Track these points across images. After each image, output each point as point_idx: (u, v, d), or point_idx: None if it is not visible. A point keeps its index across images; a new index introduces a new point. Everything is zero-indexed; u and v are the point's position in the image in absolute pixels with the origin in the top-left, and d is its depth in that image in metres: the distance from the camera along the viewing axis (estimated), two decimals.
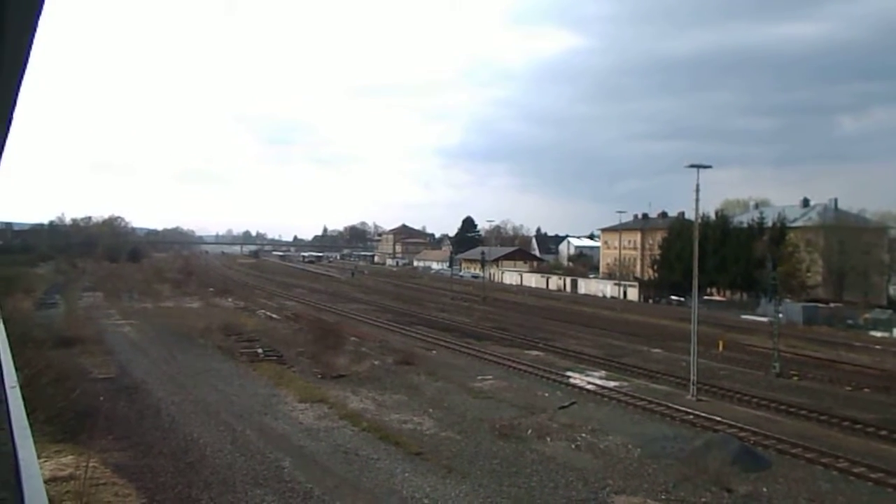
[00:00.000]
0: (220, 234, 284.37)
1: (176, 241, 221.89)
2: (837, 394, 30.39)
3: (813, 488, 17.78)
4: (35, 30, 2.00)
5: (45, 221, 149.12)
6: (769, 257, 46.04)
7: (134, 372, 30.36)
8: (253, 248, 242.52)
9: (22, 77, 2.51)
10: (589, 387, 30.45)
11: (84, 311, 53.78)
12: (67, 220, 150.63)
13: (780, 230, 70.59)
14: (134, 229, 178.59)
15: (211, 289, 76.97)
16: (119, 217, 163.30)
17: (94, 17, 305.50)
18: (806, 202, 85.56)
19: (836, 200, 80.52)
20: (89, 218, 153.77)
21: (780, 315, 38.78)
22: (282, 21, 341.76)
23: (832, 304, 62.41)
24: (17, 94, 2.73)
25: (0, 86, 2.63)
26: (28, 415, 2.86)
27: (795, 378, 33.71)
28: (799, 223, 76.41)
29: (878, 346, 45.96)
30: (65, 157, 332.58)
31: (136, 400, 25.04)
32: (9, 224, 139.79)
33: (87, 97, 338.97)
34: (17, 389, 3.09)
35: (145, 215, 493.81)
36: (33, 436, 2.66)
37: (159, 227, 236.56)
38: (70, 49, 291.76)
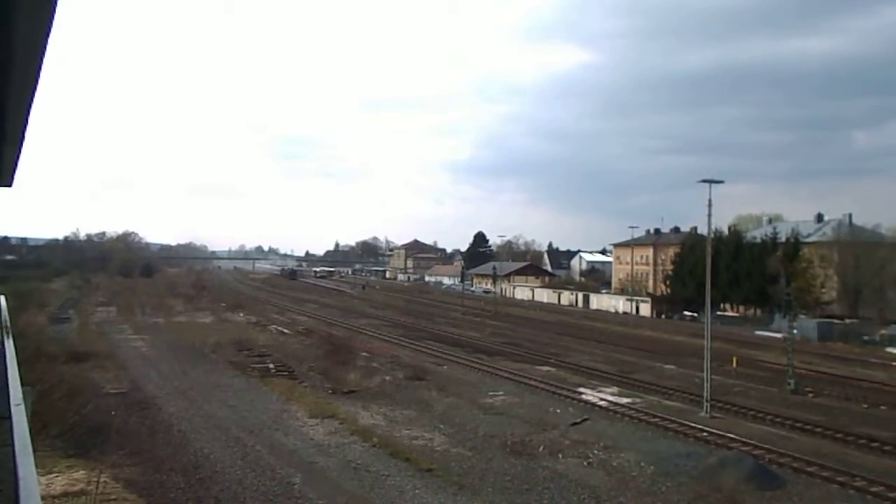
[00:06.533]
0: (233, 249, 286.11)
1: (189, 257, 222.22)
2: (853, 411, 29.99)
3: None
4: (45, 45, 2.02)
5: (60, 237, 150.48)
6: (783, 273, 45.73)
7: (146, 387, 30.46)
8: (289, 265, 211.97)
9: (34, 91, 2.53)
10: (601, 403, 30.22)
11: (97, 325, 54.13)
12: (82, 235, 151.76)
13: (794, 245, 70.12)
14: (147, 244, 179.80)
15: (223, 304, 77.26)
16: (133, 232, 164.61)
17: (107, 32, 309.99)
18: (820, 217, 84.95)
19: (850, 215, 79.84)
20: (103, 233, 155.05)
21: (795, 331, 38.41)
22: (294, 36, 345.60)
23: (847, 320, 61.74)
24: (29, 110, 2.76)
25: (13, 101, 2.65)
26: (32, 433, 2.86)
27: (810, 395, 33.32)
28: (813, 238, 75.87)
29: (894, 363, 45.36)
30: (80, 173, 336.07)
31: (147, 415, 25.09)
32: (24, 239, 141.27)
33: (102, 112, 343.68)
34: (22, 407, 3.09)
35: (159, 230, 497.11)
36: (35, 454, 2.66)
37: (172, 243, 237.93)
38: (84, 64, 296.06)
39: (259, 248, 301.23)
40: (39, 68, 2.22)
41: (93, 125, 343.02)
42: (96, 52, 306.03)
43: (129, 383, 31.01)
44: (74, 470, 16.98)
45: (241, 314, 67.86)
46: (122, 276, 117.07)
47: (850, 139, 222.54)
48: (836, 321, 61.16)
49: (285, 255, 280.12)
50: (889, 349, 52.37)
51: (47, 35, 1.93)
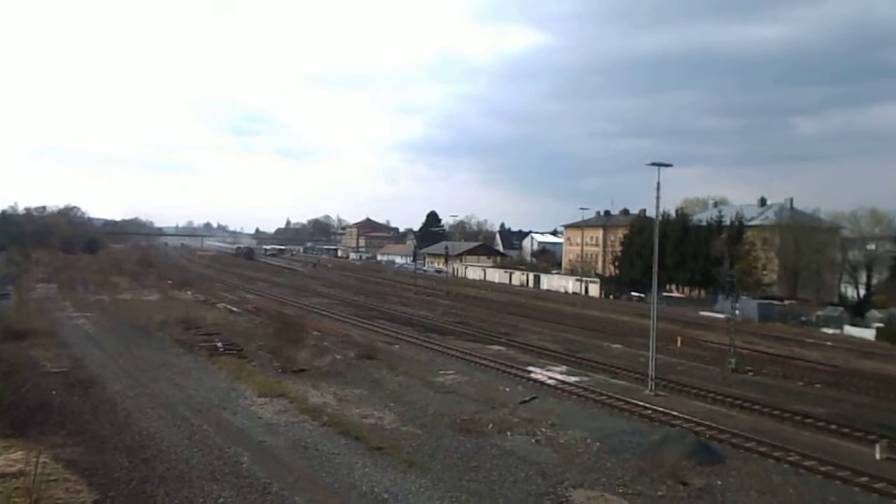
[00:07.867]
0: (181, 225, 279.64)
1: (134, 233, 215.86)
2: (790, 389, 31.21)
3: (765, 481, 18.17)
4: None
5: None
6: (727, 255, 47.02)
7: (89, 365, 29.69)
8: (242, 242, 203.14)
9: None
10: (550, 382, 30.72)
11: (37, 302, 52.39)
12: (21, 208, 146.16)
13: (738, 229, 72.03)
14: (91, 219, 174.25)
15: (170, 281, 75.63)
16: (75, 207, 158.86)
17: None
18: (763, 201, 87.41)
19: (791, 200, 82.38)
20: (44, 207, 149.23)
21: (737, 312, 39.62)
22: (246, 10, 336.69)
23: (786, 302, 63.93)
24: None
25: None
26: None
27: (750, 374, 34.49)
28: (756, 222, 78.03)
29: (829, 343, 47.26)
30: (19, 144, 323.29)
31: (90, 394, 24.46)
32: None
33: (43, 81, 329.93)
34: None
35: (103, 205, 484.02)
36: None
37: (117, 218, 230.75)
38: (26, 30, 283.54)
39: (208, 225, 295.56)
40: None
41: (34, 94, 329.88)
42: (40, 17, 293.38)
43: (71, 362, 30.16)
44: (12, 451, 16.50)
45: (189, 292, 66.58)
46: (63, 252, 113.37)
47: (796, 126, 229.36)
48: (776, 303, 63.26)
49: (235, 233, 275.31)
50: (824, 329, 54.48)
51: None
